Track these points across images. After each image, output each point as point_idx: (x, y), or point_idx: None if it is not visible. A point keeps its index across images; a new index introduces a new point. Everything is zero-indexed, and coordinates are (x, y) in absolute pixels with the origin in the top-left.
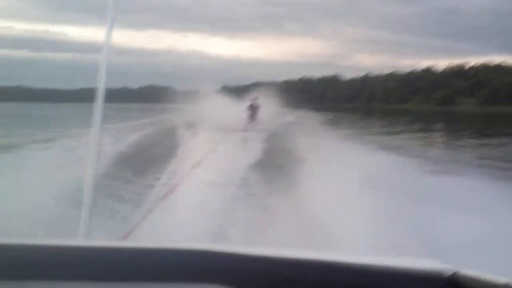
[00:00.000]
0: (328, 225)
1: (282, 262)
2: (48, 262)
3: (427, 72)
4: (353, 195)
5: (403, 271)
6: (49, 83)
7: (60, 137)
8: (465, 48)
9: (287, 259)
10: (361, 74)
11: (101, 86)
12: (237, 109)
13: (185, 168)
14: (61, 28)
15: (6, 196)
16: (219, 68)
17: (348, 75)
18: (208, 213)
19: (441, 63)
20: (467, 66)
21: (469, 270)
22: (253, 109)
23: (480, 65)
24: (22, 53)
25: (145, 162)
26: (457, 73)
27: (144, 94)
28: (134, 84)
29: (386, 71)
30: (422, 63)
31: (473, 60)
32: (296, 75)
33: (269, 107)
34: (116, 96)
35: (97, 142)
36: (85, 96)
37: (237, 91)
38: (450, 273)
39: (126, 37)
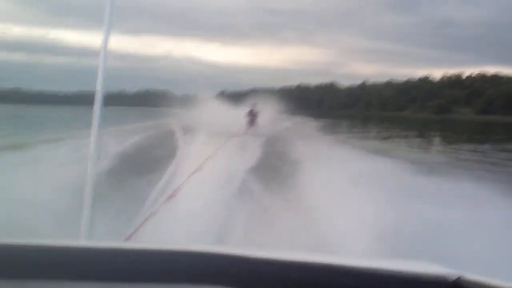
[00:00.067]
0: (318, 218)
1: (283, 264)
2: (50, 263)
3: (424, 81)
4: (342, 192)
5: (407, 275)
6: (46, 86)
7: (64, 138)
8: (460, 58)
9: (288, 262)
10: (357, 82)
11: (100, 89)
12: (236, 115)
13: (187, 171)
14: (58, 32)
15: (10, 195)
16: (216, 74)
17: (344, 83)
18: (209, 216)
19: (437, 73)
20: (464, 76)
21: (473, 274)
22: (252, 115)
23: (476, 75)
24: (19, 56)
25: (144, 165)
26: (453, 82)
27: (141, 99)
28: (131, 89)
29: (381, 80)
30: (418, 73)
31: (468, 71)
32: (293, 82)
33: (267, 113)
34: (113, 100)
35: (96, 144)
36: (82, 99)
37: (234, 97)
38: (454, 277)
39: (123, 43)
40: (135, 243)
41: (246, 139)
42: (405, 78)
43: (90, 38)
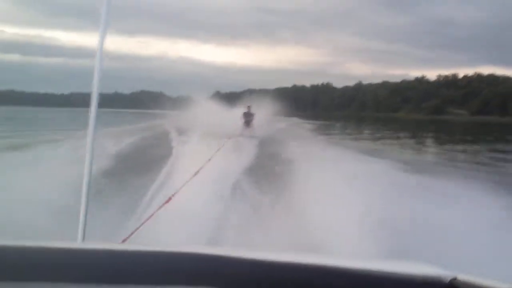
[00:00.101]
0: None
1: (278, 265)
2: (47, 264)
3: (419, 82)
4: (329, 189)
5: (403, 276)
6: (41, 87)
7: (58, 140)
8: (457, 58)
9: (283, 263)
10: (351, 82)
11: (95, 90)
12: (232, 116)
13: (184, 174)
14: (53, 32)
15: (6, 196)
16: (211, 75)
17: (340, 83)
18: (206, 218)
19: (432, 73)
20: (459, 76)
21: (469, 275)
22: (248, 117)
23: (473, 75)
24: (14, 57)
25: (141, 167)
26: (449, 82)
27: (136, 100)
28: (125, 90)
29: (378, 80)
30: (413, 73)
31: (464, 71)
32: (288, 82)
33: (262, 114)
34: (107, 101)
35: (92, 146)
36: (77, 100)
37: (229, 98)
38: (450, 278)
39: (117, 43)
40: (131, 245)
41: (243, 140)
42: (400, 79)
43: (85, 39)
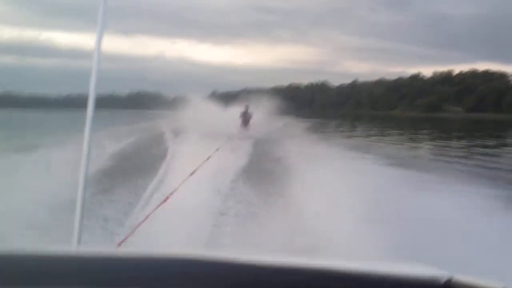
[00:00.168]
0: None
1: (275, 268)
2: (41, 270)
3: (415, 79)
4: (317, 180)
5: (399, 277)
6: (38, 89)
7: (55, 143)
8: (452, 55)
9: (281, 266)
10: (349, 81)
11: (92, 91)
12: (229, 116)
13: (181, 175)
14: (49, 33)
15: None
16: (208, 75)
17: (336, 81)
18: (202, 220)
19: (428, 70)
20: (454, 73)
21: (465, 275)
22: (246, 117)
23: (468, 71)
24: (10, 59)
25: (138, 168)
26: (444, 79)
27: (133, 101)
28: (122, 91)
29: (374, 78)
30: (409, 71)
31: (459, 67)
32: (285, 81)
33: (259, 114)
34: (104, 102)
35: (88, 148)
36: (73, 102)
37: (226, 97)
38: (446, 278)
39: (114, 43)
40: (127, 249)
41: (241, 140)
42: (397, 76)
43: (82, 40)
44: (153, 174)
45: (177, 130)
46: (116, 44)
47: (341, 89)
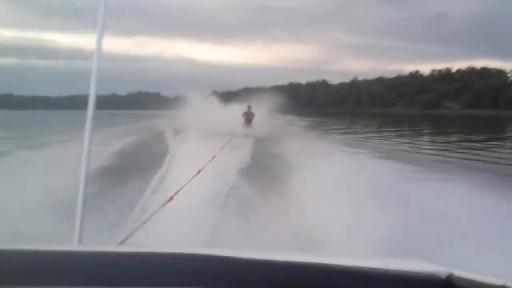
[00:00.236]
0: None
1: (275, 265)
2: (43, 268)
3: (413, 77)
4: (311, 171)
5: (399, 273)
6: (39, 90)
7: (54, 143)
8: (450, 53)
9: (281, 263)
10: (348, 79)
11: (93, 92)
12: (230, 115)
13: (183, 174)
14: (49, 35)
15: (3, 200)
16: (208, 74)
17: (335, 80)
18: (205, 219)
19: (427, 68)
20: (453, 70)
21: (465, 271)
22: (249, 116)
23: (466, 68)
24: (11, 61)
25: (143, 166)
26: (443, 76)
27: (133, 101)
28: (122, 91)
29: (373, 75)
30: (408, 68)
31: (458, 65)
32: (284, 80)
33: (260, 113)
34: (104, 103)
35: (89, 148)
36: (74, 103)
37: (226, 96)
38: (446, 275)
39: (114, 44)
40: (128, 247)
41: (245, 139)
42: (395, 74)
43: (82, 41)
44: (153, 174)
45: (178, 129)
46: (116, 44)
47: (341, 87)
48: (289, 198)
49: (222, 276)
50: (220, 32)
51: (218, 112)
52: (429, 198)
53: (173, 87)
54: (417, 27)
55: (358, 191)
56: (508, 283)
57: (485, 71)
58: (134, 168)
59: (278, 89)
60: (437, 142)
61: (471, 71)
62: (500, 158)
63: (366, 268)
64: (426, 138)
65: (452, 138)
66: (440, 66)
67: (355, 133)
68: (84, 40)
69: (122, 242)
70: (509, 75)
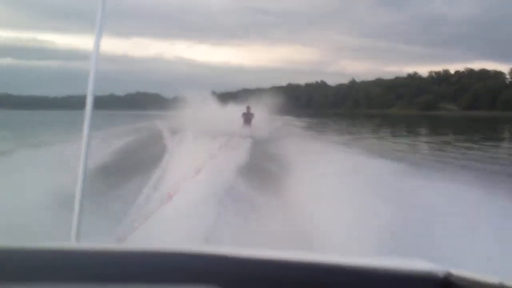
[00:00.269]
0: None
1: (274, 263)
2: (41, 265)
3: (412, 78)
4: (303, 166)
5: (396, 272)
6: (36, 90)
7: (54, 142)
8: (449, 54)
9: (279, 261)
10: (346, 80)
11: (90, 92)
12: (229, 116)
13: (185, 173)
14: (47, 35)
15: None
16: (207, 75)
17: (333, 81)
18: (205, 217)
19: (425, 70)
20: (451, 72)
21: (462, 270)
22: (248, 117)
23: (464, 70)
24: (9, 61)
25: (141, 165)
26: (441, 78)
27: (132, 101)
28: (121, 92)
29: (371, 77)
30: (406, 70)
31: (456, 67)
32: (283, 81)
33: (259, 113)
34: (103, 103)
35: (87, 147)
36: (73, 103)
37: (225, 97)
38: (444, 273)
39: (113, 45)
40: (127, 245)
41: (244, 139)
42: (394, 75)
43: (80, 41)
44: (150, 173)
45: (177, 129)
46: (115, 45)
47: (340, 88)
48: (284, 192)
49: (220, 274)
50: (219, 33)
51: (217, 113)
52: (416, 193)
53: (171, 88)
54: (415, 29)
55: (348, 186)
56: (506, 281)
57: (483, 73)
58: (131, 167)
59: (277, 90)
60: (430, 142)
61: (470, 73)
62: (491, 158)
63: (364, 267)
64: (420, 138)
65: (446, 138)
66: (439, 68)
67: (349, 133)
68: (82, 41)
69: (120, 241)
70: (507, 77)
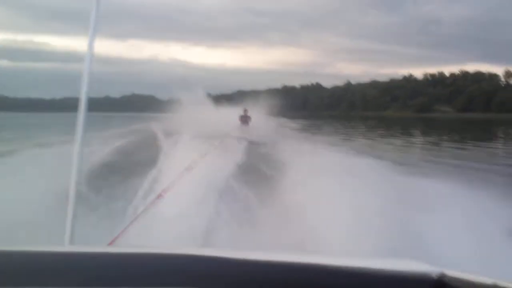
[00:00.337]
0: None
1: (269, 265)
2: (34, 269)
3: (407, 80)
4: (293, 163)
5: (391, 273)
6: (32, 92)
7: (50, 144)
8: (443, 57)
9: (275, 263)
10: (341, 82)
11: (84, 94)
12: (226, 117)
13: (176, 172)
14: (44, 37)
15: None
16: (202, 77)
17: (329, 83)
18: (198, 215)
19: (420, 72)
20: (446, 74)
21: (456, 271)
22: (245, 119)
23: (459, 72)
24: (4, 63)
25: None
26: (436, 80)
27: (127, 103)
28: (116, 93)
29: (366, 79)
30: (401, 72)
31: (451, 69)
32: (278, 83)
33: (255, 115)
34: (98, 105)
35: (80, 150)
36: (70, 105)
37: (220, 99)
38: (437, 274)
39: (108, 47)
40: (120, 247)
41: (240, 141)
42: (389, 78)
43: (76, 43)
44: (144, 176)
45: (171, 131)
46: (110, 47)
47: (335, 90)
48: (273, 187)
49: (214, 276)
50: (215, 35)
51: (213, 115)
52: (393, 187)
53: (167, 90)
54: (410, 31)
55: (336, 182)
56: (499, 282)
57: (478, 75)
58: (125, 168)
59: (272, 92)
60: (417, 143)
61: (464, 75)
62: (474, 156)
63: (358, 268)
64: (409, 139)
65: (434, 139)
66: (433, 70)
67: (340, 134)
68: (79, 43)
69: (111, 242)
70: (502, 78)
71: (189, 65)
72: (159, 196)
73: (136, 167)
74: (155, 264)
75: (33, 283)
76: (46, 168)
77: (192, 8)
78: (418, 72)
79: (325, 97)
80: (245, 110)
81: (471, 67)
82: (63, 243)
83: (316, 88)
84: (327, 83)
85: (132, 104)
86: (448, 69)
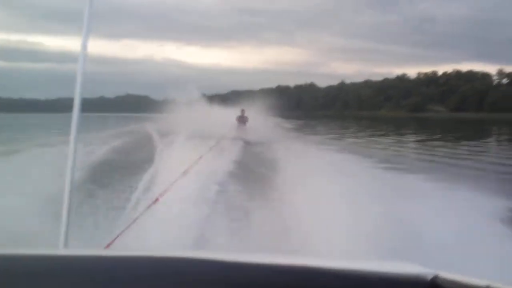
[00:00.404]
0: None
1: (265, 268)
2: (29, 272)
3: (400, 80)
4: (284, 160)
5: (385, 275)
6: (27, 93)
7: (44, 145)
8: (437, 56)
9: (270, 265)
10: (335, 81)
11: (78, 95)
12: (221, 118)
13: (173, 176)
14: (38, 37)
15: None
16: (196, 77)
17: (323, 82)
18: (193, 220)
19: (414, 71)
20: (439, 74)
21: (449, 273)
22: (242, 120)
23: (452, 72)
24: None
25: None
26: (429, 80)
27: (122, 103)
28: (110, 93)
29: (360, 78)
30: (395, 71)
31: (444, 68)
32: (273, 83)
33: (251, 116)
34: (92, 105)
35: (74, 151)
36: (65, 105)
37: (215, 99)
38: (431, 276)
39: (102, 47)
40: (116, 251)
41: (235, 141)
42: (382, 77)
43: (70, 44)
44: (138, 178)
45: (166, 132)
46: (104, 47)
47: (329, 90)
48: (266, 185)
49: (210, 279)
50: (209, 35)
51: (207, 115)
52: (382, 184)
53: (161, 90)
54: (404, 31)
55: (324, 177)
56: (492, 284)
57: (470, 75)
58: (120, 169)
59: (267, 92)
60: (405, 141)
61: (457, 75)
62: (455, 154)
63: (352, 270)
64: (397, 138)
65: (422, 138)
66: (427, 69)
67: (331, 133)
68: (73, 43)
69: (108, 246)
70: (494, 78)
71: (184, 65)
72: (156, 201)
73: (131, 169)
74: (151, 267)
75: (27, 286)
76: (46, 168)
77: (186, 8)
78: (413, 71)
79: (320, 97)
80: (243, 111)
81: (466, 66)
82: (58, 246)
83: (311, 88)
84: (322, 83)
85: (126, 104)
86: (443, 68)
